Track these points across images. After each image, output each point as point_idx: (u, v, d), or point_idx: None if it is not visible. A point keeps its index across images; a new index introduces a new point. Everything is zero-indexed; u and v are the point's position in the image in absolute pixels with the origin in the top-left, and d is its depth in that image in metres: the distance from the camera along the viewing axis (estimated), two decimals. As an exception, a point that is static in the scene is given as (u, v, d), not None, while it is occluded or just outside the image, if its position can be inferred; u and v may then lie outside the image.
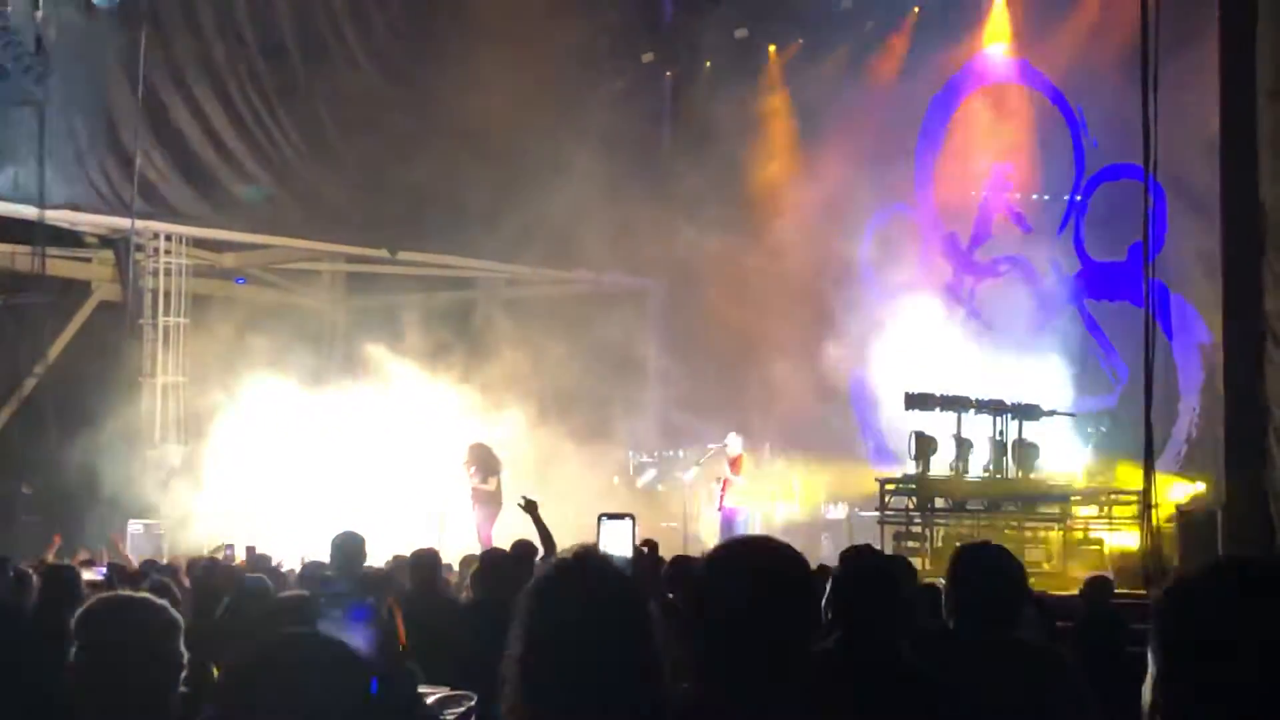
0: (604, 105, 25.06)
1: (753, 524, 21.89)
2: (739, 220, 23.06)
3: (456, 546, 17.64)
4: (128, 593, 4.12)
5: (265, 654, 3.18)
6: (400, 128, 23.55)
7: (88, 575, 12.54)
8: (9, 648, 7.62)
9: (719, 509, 21.12)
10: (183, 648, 3.83)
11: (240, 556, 15.37)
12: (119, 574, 11.62)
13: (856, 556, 5.10)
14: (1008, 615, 5.07)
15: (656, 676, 3.11)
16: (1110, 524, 18.45)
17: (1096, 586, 11.97)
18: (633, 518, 4.04)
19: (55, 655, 7.51)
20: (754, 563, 3.34)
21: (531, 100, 23.50)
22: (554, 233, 23.53)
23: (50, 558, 14.95)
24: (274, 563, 13.75)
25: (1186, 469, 19.58)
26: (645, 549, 3.39)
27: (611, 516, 4.03)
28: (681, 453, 24.25)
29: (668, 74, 27.47)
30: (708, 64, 26.45)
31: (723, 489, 21.08)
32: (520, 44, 23.95)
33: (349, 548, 9.12)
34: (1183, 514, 17.06)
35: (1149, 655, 2.50)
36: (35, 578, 8.78)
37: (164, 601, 3.92)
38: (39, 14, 21.40)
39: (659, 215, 23.14)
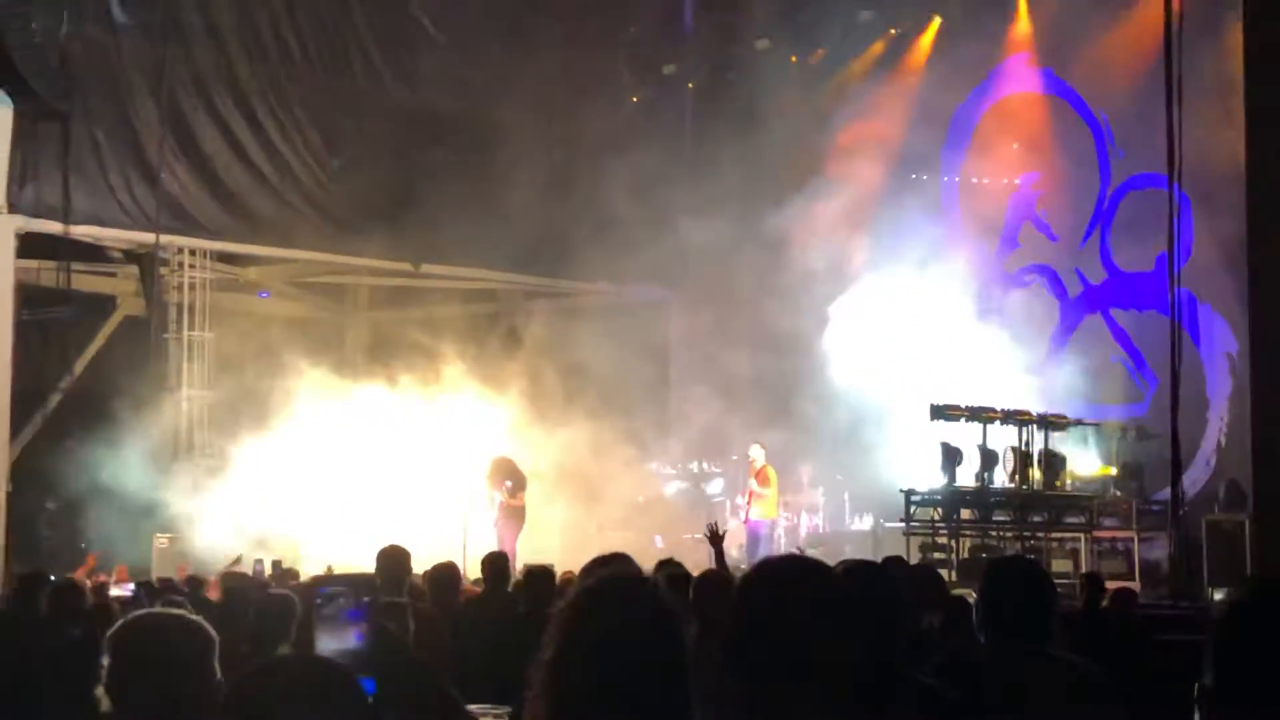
0: (625, 117, 25.04)
1: (778, 536, 21.89)
2: (762, 231, 23.02)
3: (479, 559, 17.63)
4: (162, 610, 4.11)
5: (261, 678, 3.18)
6: (422, 141, 23.57)
7: (116, 591, 12.59)
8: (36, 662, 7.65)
9: (744, 522, 21.08)
10: (217, 665, 3.82)
11: (268, 570, 15.39)
12: (148, 590, 11.61)
13: (1008, 565, 5.13)
14: (1039, 629, 5.04)
15: (686, 699, 3.10)
16: (1137, 533, 18.40)
17: (1119, 599, 11.94)
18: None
19: (58, 669, 7.55)
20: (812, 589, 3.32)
21: (553, 113, 23.54)
22: (576, 244, 23.53)
23: (81, 576, 14.98)
24: (300, 576, 13.74)
25: (1215, 478, 19.51)
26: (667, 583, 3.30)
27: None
28: (705, 465, 24.22)
29: (689, 85, 27.46)
30: (729, 75, 26.43)
31: (748, 501, 21.05)
32: (542, 57, 23.99)
33: (394, 560, 9.12)
34: (1211, 524, 17.01)
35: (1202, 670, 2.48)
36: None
37: (198, 619, 3.92)
38: (63, 30, 21.50)
39: (681, 226, 23.12)
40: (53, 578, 9.52)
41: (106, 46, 22.17)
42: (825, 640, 3.21)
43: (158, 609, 4.27)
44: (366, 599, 5.69)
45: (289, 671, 3.21)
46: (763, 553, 20.70)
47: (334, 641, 5.72)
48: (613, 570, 3.19)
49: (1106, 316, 22.33)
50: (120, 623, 3.87)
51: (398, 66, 24.96)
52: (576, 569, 11.76)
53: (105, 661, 3.81)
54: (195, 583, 12.40)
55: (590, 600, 3.16)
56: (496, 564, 10.61)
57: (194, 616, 3.89)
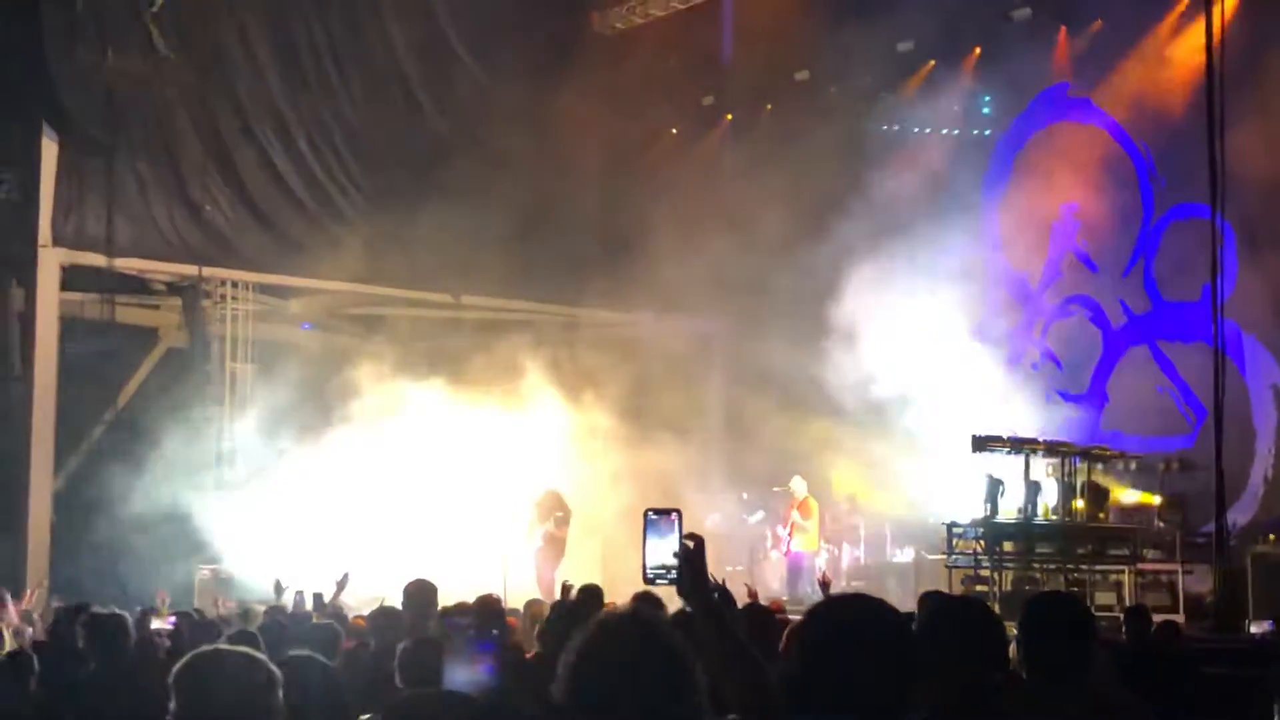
0: (664, 148, 25.05)
1: (818, 569, 21.79)
2: (800, 261, 22.98)
3: (520, 590, 17.66)
4: (227, 647, 4.11)
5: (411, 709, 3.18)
6: (462, 172, 23.64)
7: (157, 623, 12.60)
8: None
9: (785, 554, 21.01)
10: (281, 701, 3.82)
11: (308, 603, 15.34)
12: (190, 623, 11.62)
13: (1047, 602, 5.10)
14: (1080, 666, 4.99)
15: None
16: (1181, 566, 18.23)
17: (1163, 632, 11.83)
18: (679, 512, 3.99)
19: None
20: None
21: (592, 144, 23.58)
22: (614, 274, 23.56)
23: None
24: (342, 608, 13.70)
25: (1263, 510, 19.33)
26: (691, 543, 3.39)
27: (657, 512, 3.98)
28: (745, 495, 24.15)
29: (727, 117, 27.48)
30: (768, 107, 26.45)
31: (789, 533, 20.98)
32: (582, 89, 24.06)
33: (420, 595, 9.12)
34: (1257, 556, 16.85)
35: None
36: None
37: (261, 655, 3.92)
38: (107, 63, 21.71)
39: (720, 256, 23.10)
40: (96, 609, 9.52)
41: (149, 79, 22.39)
42: (887, 681, 3.20)
43: (222, 646, 4.26)
44: (496, 631, 5.68)
45: (438, 706, 3.21)
46: (804, 585, 20.63)
47: (464, 674, 5.69)
48: (622, 609, 3.19)
49: (1153, 347, 22.18)
50: (184, 661, 3.86)
51: (437, 97, 25.10)
52: (616, 599, 11.75)
53: (171, 704, 3.79)
54: (242, 615, 12.42)
55: (597, 643, 3.15)
56: (487, 607, 10.43)
57: (259, 654, 3.89)
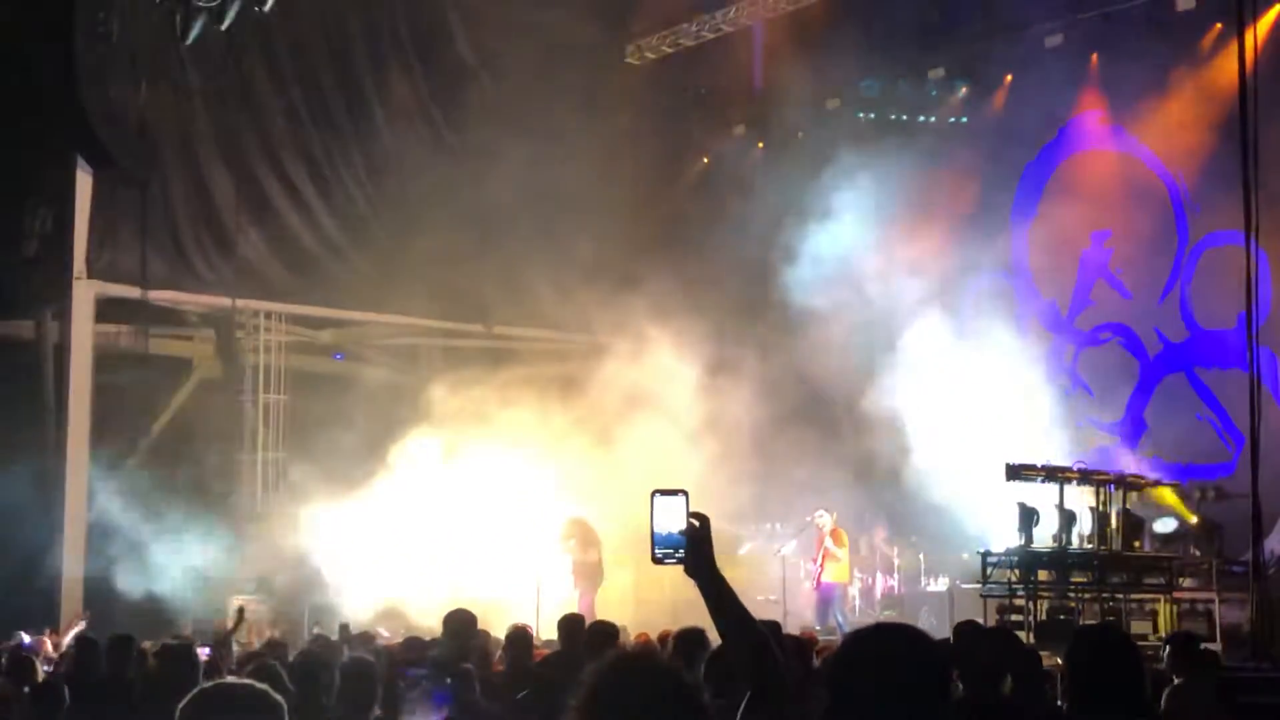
0: (695, 177, 25.06)
1: (852, 597, 21.74)
2: (831, 287, 22.97)
3: (553, 618, 17.63)
4: (232, 680, 4.12)
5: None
6: (490, 202, 23.69)
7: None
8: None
9: (815, 587, 20.93)
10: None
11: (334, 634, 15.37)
12: (222, 656, 11.63)
13: (1099, 634, 5.07)
14: (1127, 701, 4.92)
15: None
16: (1218, 594, 18.08)
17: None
18: (686, 493, 4.00)
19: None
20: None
21: (624, 173, 23.61)
22: (644, 301, 23.55)
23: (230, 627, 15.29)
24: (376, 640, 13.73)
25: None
26: (697, 522, 3.41)
27: (664, 492, 4.00)
28: (778, 525, 24.06)
29: (759, 145, 27.51)
30: (800, 135, 26.44)
31: (821, 564, 20.90)
32: (611, 117, 24.13)
33: (461, 624, 9.13)
34: (1294, 585, 16.70)
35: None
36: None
37: (264, 686, 3.93)
38: (141, 98, 21.88)
39: (752, 283, 23.10)
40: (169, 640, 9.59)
41: (181, 113, 22.56)
42: (921, 711, 3.19)
43: (227, 679, 4.27)
44: (450, 679, 5.67)
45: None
46: (834, 615, 20.56)
47: None
48: (630, 650, 3.22)
49: (1190, 375, 22.06)
50: (190, 697, 3.87)
51: (464, 130, 25.18)
52: (648, 629, 11.73)
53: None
54: (275, 646, 12.42)
55: (605, 684, 3.16)
56: (569, 626, 10.53)
57: (261, 686, 3.90)
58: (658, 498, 3.99)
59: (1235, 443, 20.72)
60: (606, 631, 10.06)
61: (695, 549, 3.92)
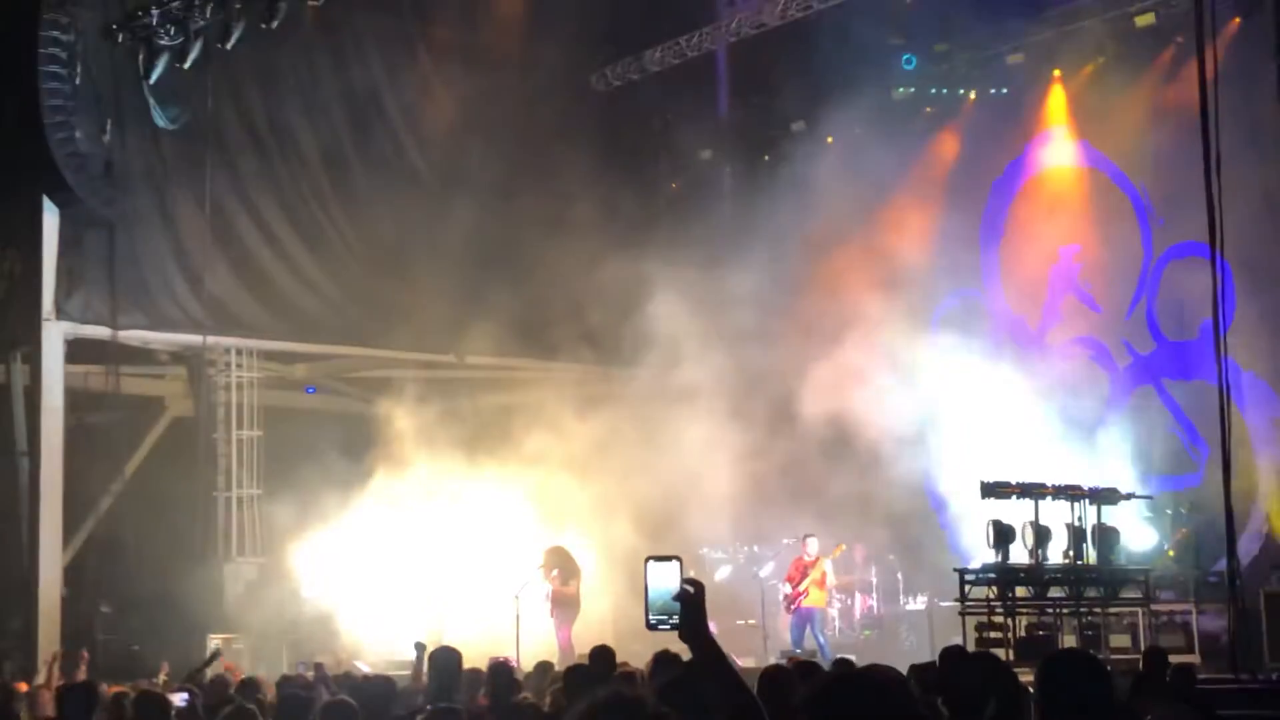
0: (665, 204, 25.10)
1: (830, 619, 21.74)
2: (803, 310, 23.04)
3: (532, 649, 17.63)
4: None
5: None
6: (462, 233, 23.68)
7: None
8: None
9: (792, 609, 20.89)
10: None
11: (309, 672, 15.29)
12: (208, 695, 11.56)
13: (1066, 659, 5.11)
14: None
15: None
16: (1195, 606, 18.15)
17: (1180, 675, 11.75)
18: (679, 559, 4.02)
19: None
20: None
21: (593, 201, 23.62)
22: (619, 330, 23.58)
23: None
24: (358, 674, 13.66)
25: (1268, 546, 19.28)
26: (691, 589, 3.42)
27: (658, 559, 4.02)
28: (756, 548, 24.06)
29: (727, 170, 27.59)
30: (766, 158, 26.53)
31: (804, 590, 20.85)
32: (579, 146, 24.17)
33: (446, 663, 9.11)
34: (1270, 595, 16.79)
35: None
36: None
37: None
38: (106, 137, 21.83)
39: (724, 308, 23.11)
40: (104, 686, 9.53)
41: (148, 152, 22.52)
42: None
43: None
44: None
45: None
46: (815, 636, 20.53)
47: None
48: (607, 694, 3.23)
49: (1159, 387, 22.18)
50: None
51: (434, 162, 25.20)
52: (629, 657, 11.70)
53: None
54: (250, 686, 12.33)
55: None
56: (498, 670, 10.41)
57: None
58: (651, 564, 4.01)
59: (1201, 452, 20.83)
60: (607, 658, 10.07)
61: (689, 614, 3.94)
